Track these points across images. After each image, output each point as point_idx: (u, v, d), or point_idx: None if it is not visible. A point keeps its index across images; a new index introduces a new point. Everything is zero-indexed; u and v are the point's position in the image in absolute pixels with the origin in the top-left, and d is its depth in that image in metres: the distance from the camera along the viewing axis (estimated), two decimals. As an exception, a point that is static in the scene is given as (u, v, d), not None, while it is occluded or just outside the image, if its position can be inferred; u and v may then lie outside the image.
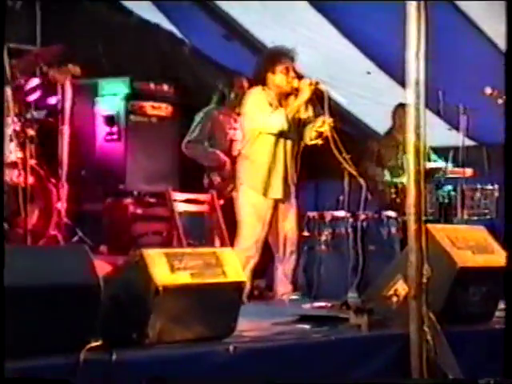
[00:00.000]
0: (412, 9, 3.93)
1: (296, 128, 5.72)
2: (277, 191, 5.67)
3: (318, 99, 5.57)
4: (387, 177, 6.82)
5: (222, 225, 6.31)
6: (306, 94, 5.57)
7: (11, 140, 6.13)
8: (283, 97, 5.69)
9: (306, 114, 5.79)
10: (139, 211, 7.38)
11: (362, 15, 6.44)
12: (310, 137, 5.66)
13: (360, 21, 6.61)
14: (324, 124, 5.53)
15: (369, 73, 6.74)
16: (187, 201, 6.72)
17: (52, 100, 6.85)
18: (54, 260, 3.64)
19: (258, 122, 5.69)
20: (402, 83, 4.16)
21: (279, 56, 5.68)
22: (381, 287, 4.56)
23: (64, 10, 7.65)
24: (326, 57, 7.00)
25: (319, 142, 5.59)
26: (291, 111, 5.64)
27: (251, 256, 5.66)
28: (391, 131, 7.07)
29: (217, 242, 6.27)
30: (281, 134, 5.64)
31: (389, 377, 4.09)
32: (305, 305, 5.49)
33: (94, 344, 3.45)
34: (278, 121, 5.59)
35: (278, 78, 5.60)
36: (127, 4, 8.13)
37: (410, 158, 4.04)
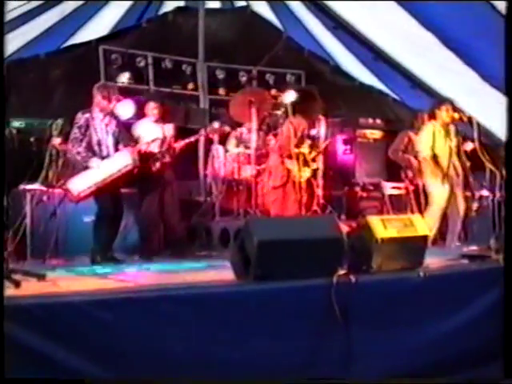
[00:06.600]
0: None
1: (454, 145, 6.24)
2: (450, 180, 6.23)
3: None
4: None
5: (412, 201, 7.27)
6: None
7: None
8: (446, 126, 6.27)
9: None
10: (364, 194, 8.39)
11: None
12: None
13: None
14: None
15: None
16: (392, 188, 7.84)
17: (313, 132, 7.78)
18: (317, 223, 4.22)
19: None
20: None
21: (441, 102, 6.38)
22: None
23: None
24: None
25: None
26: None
27: (437, 221, 6.34)
28: None
29: (410, 212, 7.12)
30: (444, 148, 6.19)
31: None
32: (464, 248, 6.05)
33: (341, 272, 3.91)
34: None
35: (442, 113, 6.34)
36: (351, 72, 9.30)
37: None
